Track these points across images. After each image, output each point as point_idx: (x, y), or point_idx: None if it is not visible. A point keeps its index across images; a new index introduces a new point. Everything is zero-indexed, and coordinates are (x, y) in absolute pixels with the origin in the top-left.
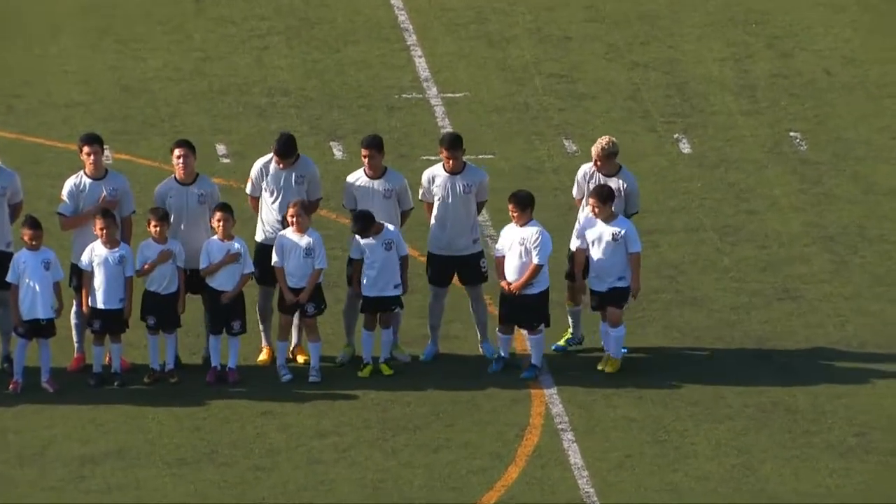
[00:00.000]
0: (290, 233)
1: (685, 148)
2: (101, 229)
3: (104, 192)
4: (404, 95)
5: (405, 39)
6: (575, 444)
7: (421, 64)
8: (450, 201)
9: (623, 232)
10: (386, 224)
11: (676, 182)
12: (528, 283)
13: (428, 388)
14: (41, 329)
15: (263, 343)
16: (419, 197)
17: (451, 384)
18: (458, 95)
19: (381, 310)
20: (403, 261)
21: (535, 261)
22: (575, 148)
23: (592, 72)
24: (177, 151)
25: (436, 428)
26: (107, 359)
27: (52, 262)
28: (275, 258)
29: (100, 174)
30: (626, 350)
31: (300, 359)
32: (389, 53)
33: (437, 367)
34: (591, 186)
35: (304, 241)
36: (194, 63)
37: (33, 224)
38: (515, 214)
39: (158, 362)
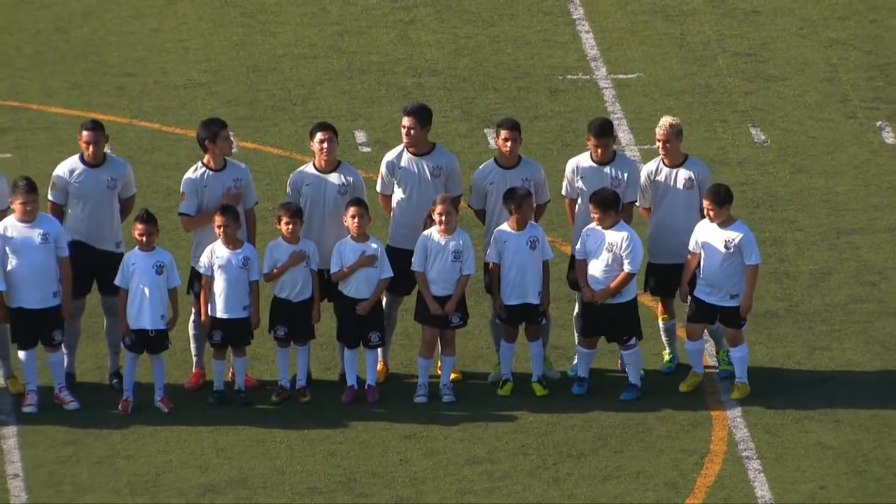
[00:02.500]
0: (435, 233)
1: (889, 137)
2: (221, 227)
3: (229, 185)
4: (569, 76)
5: (570, 13)
6: (762, 474)
7: (588, 41)
8: None
9: (738, 239)
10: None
11: (879, 176)
12: (616, 292)
13: (593, 409)
14: (149, 342)
15: (379, 358)
16: (562, 191)
17: (618, 405)
18: (629, 77)
19: (526, 320)
20: (546, 266)
21: (627, 269)
22: (763, 137)
23: (783, 50)
24: (319, 135)
25: (603, 455)
26: (229, 374)
27: (167, 266)
28: (416, 262)
29: (220, 165)
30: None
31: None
32: (552, 29)
33: (602, 385)
34: (659, 186)
35: (451, 242)
36: (330, 38)
37: (146, 219)
38: (597, 216)
39: (288, 378)
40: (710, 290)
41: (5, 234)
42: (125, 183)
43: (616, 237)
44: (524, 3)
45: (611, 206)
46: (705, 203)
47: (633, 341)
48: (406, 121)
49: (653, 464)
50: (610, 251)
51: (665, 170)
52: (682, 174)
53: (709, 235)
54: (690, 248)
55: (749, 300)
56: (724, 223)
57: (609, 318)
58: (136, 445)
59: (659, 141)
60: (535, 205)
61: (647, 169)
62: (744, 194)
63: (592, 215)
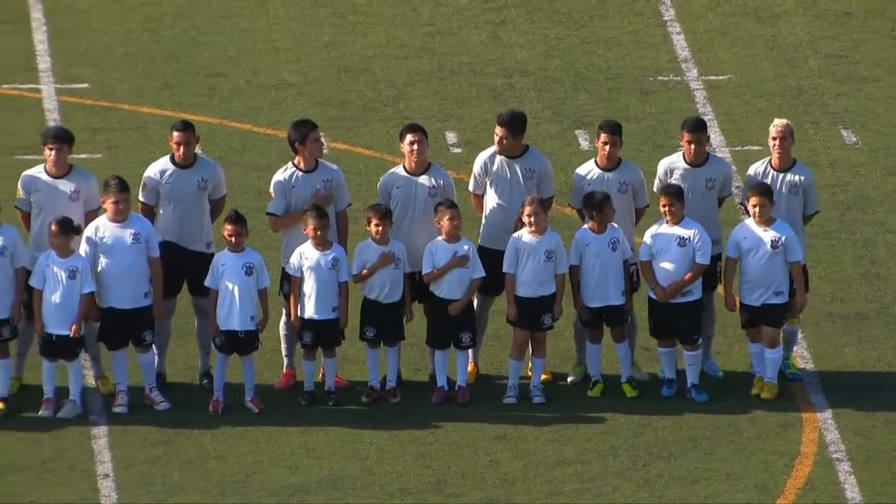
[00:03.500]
0: (525, 235)
1: None
2: (313, 229)
3: (318, 186)
4: (660, 78)
5: (661, 14)
6: (852, 477)
7: (679, 42)
8: (689, 196)
9: (784, 238)
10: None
11: None
12: (689, 284)
13: (683, 411)
14: (239, 343)
15: (471, 359)
16: (653, 188)
17: (708, 407)
18: (721, 78)
19: (609, 322)
20: (626, 265)
21: (700, 260)
22: (855, 139)
23: (875, 52)
24: (409, 137)
25: (693, 456)
26: (319, 375)
27: (257, 267)
28: (507, 264)
29: (310, 166)
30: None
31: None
32: (643, 30)
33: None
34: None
35: (543, 243)
36: (422, 39)
37: (235, 220)
38: (673, 209)
39: (378, 379)
40: (756, 291)
41: (97, 234)
42: (215, 184)
43: (687, 232)
44: (615, 4)
45: (682, 198)
46: (758, 200)
47: (700, 341)
48: (499, 130)
49: (743, 465)
50: (682, 246)
51: (772, 173)
52: (790, 178)
53: (753, 236)
54: (730, 254)
55: (803, 297)
56: (769, 222)
57: (679, 318)
58: (227, 446)
59: (774, 139)
60: (634, 208)
61: (754, 168)
62: (835, 196)
63: (666, 208)
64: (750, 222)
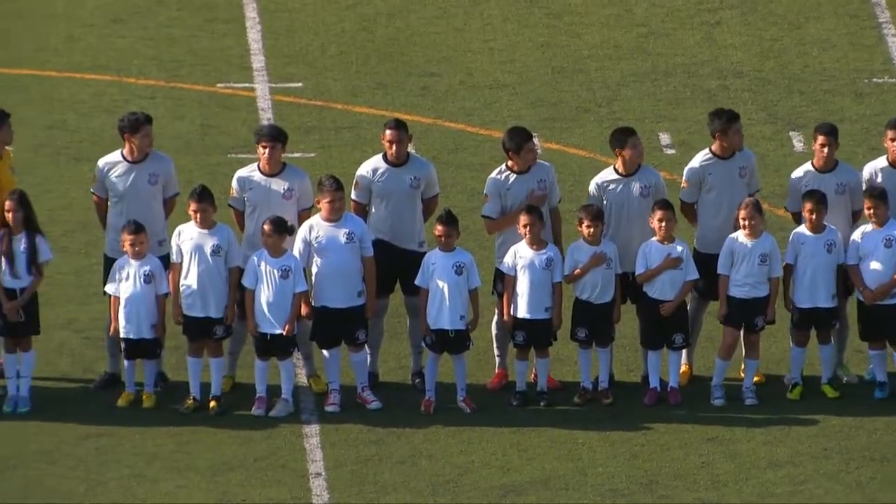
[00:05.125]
0: (741, 236)
1: None
2: (526, 227)
3: (532, 187)
4: (874, 80)
5: (877, 16)
6: None
7: (894, 44)
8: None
9: None
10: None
11: None
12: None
13: None
14: (449, 342)
15: (684, 360)
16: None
17: None
18: None
19: (816, 325)
20: (839, 269)
21: None
22: None
23: None
24: (631, 140)
25: None
26: (532, 375)
27: (467, 266)
28: (721, 265)
29: (523, 168)
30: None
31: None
32: (858, 32)
33: None
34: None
35: (759, 247)
36: (636, 40)
37: (447, 220)
38: (878, 211)
39: (590, 380)
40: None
41: (311, 234)
42: (428, 183)
43: (894, 233)
44: (830, 6)
45: (885, 199)
46: (873, 203)
47: None
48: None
49: None
50: (889, 247)
51: None
52: None
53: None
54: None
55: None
56: (884, 223)
57: (888, 319)
58: (438, 446)
59: None
60: (850, 210)
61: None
62: None
63: (871, 211)
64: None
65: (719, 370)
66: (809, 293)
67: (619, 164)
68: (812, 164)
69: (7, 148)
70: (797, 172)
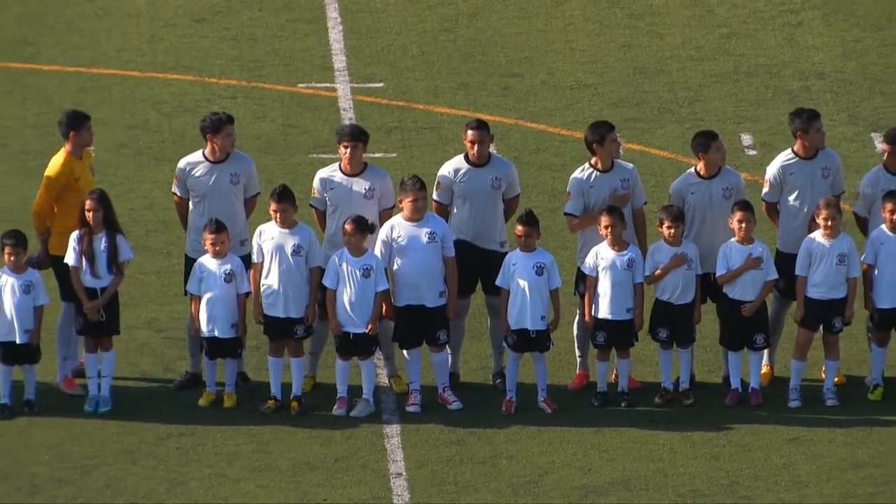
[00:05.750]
0: (819, 237)
1: None
2: (607, 227)
3: (615, 186)
4: None
5: None
6: None
7: None
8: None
9: None
10: None
11: None
12: None
13: None
14: (530, 342)
15: (765, 361)
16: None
17: None
18: None
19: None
20: None
21: None
22: None
23: None
24: (714, 144)
25: None
26: (613, 376)
27: (547, 267)
28: (799, 266)
29: (607, 166)
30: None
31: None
32: None
33: None
34: None
35: (836, 247)
36: (717, 41)
37: (528, 220)
38: None
39: (671, 381)
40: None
41: (392, 234)
42: (509, 183)
43: None
44: None
45: None
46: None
47: None
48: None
49: None
50: None
51: None
52: None
53: None
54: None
55: None
56: None
57: None
58: (519, 446)
59: None
60: None
61: None
62: None
63: None
64: None
65: (796, 372)
66: (890, 293)
67: (700, 167)
68: (884, 166)
69: (87, 148)
70: (868, 175)
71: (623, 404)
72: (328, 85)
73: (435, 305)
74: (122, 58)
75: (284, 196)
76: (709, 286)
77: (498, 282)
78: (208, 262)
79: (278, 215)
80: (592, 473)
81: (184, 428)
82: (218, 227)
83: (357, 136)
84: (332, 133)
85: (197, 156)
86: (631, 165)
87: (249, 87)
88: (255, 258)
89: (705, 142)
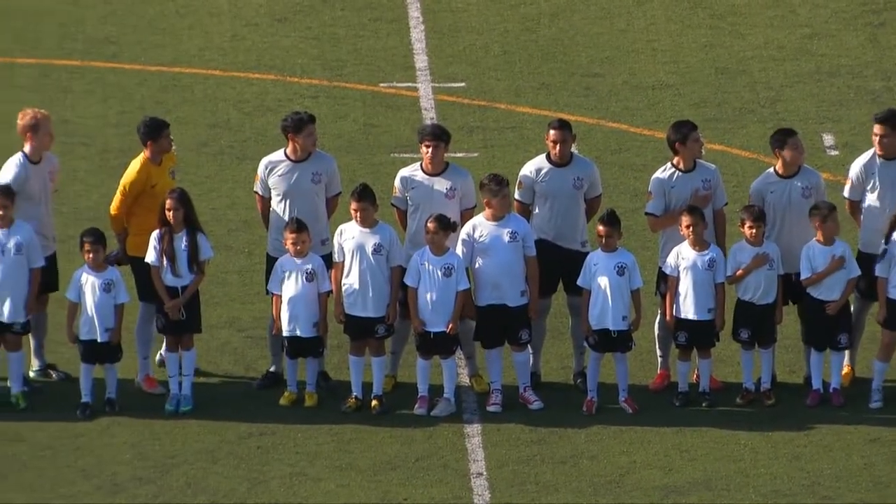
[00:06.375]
0: None
1: None
2: (688, 227)
3: (697, 186)
4: None
5: None
6: None
7: None
8: None
9: None
10: None
11: None
12: None
13: None
14: (611, 342)
15: (846, 362)
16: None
17: None
18: None
19: None
20: None
21: None
22: None
23: None
24: (791, 141)
25: None
26: (694, 376)
27: (629, 267)
28: (878, 267)
29: (689, 166)
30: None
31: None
32: None
33: None
34: None
35: None
36: (799, 41)
37: (609, 220)
38: None
39: (752, 381)
40: None
41: (474, 233)
42: (591, 183)
43: None
44: None
45: None
46: None
47: None
48: (878, 128)
49: None
50: None
51: None
52: None
53: None
54: None
55: None
56: None
57: None
58: (600, 446)
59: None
60: None
61: None
62: None
63: None
64: None
65: (879, 373)
66: None
67: (779, 166)
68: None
69: (171, 151)
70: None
71: (704, 404)
72: (410, 84)
73: (516, 305)
74: (203, 57)
75: (365, 195)
76: (790, 287)
77: (579, 282)
78: (289, 261)
79: (358, 214)
80: (673, 473)
81: (265, 427)
82: (299, 227)
83: (439, 136)
84: (414, 132)
85: (279, 155)
86: (713, 166)
87: (331, 87)
88: (336, 257)
89: (782, 138)
